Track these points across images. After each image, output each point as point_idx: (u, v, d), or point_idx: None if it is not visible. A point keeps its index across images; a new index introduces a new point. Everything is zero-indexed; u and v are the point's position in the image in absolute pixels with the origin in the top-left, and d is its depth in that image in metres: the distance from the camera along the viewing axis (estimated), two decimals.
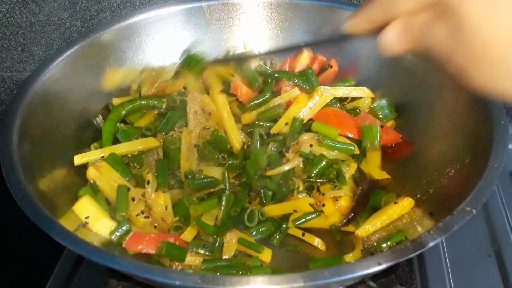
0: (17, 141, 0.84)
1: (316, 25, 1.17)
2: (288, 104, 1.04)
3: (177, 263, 0.85)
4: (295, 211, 0.95)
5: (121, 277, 0.94)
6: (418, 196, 0.91)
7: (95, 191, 0.92)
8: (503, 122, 0.82)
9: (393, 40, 0.58)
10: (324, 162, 0.95)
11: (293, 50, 1.18)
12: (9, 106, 0.89)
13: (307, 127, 1.01)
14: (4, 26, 1.32)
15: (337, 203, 0.93)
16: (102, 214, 0.88)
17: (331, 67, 1.14)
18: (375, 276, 0.92)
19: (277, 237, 0.92)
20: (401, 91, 1.08)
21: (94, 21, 1.30)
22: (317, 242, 0.91)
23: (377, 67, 1.12)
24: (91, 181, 0.94)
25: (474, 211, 0.70)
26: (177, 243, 0.86)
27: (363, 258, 0.67)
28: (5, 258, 1.11)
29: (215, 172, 0.99)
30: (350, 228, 0.92)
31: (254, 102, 1.04)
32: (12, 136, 0.84)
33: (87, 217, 0.86)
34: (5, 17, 1.30)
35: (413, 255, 0.66)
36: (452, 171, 0.87)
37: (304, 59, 1.15)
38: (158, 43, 1.16)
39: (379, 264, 0.65)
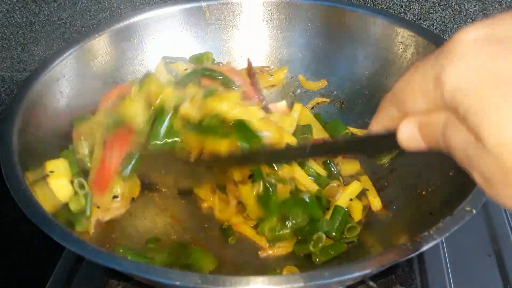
0: (17, 141, 0.84)
1: (316, 25, 1.17)
2: None
3: None
4: None
5: (121, 277, 0.94)
6: (418, 196, 0.91)
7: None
8: None
9: (409, 137, 0.52)
10: None
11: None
12: (9, 106, 0.89)
13: None
14: (4, 26, 1.32)
15: None
16: (66, 175, 0.89)
17: None
18: (375, 276, 0.92)
19: None
20: None
21: (94, 21, 1.30)
22: None
23: (376, 67, 1.12)
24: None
25: (474, 211, 0.70)
26: None
27: (364, 258, 0.67)
28: (5, 258, 1.11)
29: None
30: None
31: None
32: (12, 136, 0.84)
33: (51, 171, 0.88)
34: (5, 17, 1.30)
35: (413, 255, 0.66)
36: (452, 171, 0.87)
37: None
38: (158, 43, 1.16)
39: (379, 264, 0.65)
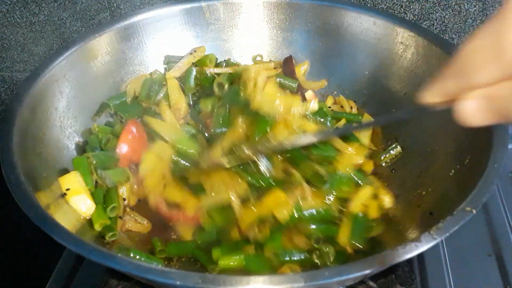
0: (17, 141, 0.84)
1: (316, 25, 1.17)
2: None
3: None
4: None
5: (121, 277, 0.94)
6: (418, 196, 0.92)
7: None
8: None
9: (474, 113, 0.53)
10: None
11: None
12: (9, 106, 0.89)
13: None
14: (4, 26, 1.32)
15: None
16: (83, 190, 0.90)
17: None
18: (375, 276, 0.92)
19: None
20: (400, 91, 1.08)
21: (94, 21, 1.30)
22: None
23: (376, 67, 1.12)
24: None
25: (474, 211, 0.70)
26: None
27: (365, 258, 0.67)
28: (5, 258, 1.11)
29: None
30: None
31: None
32: (12, 136, 0.84)
33: (67, 189, 0.88)
34: (5, 17, 1.30)
35: (413, 255, 0.66)
36: (452, 171, 0.87)
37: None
38: (158, 43, 1.16)
39: (379, 264, 0.65)
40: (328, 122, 1.02)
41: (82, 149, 1.02)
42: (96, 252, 0.67)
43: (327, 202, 0.91)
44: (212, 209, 0.90)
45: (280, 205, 0.88)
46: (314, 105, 1.02)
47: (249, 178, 0.91)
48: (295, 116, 0.99)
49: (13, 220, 1.13)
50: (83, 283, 0.97)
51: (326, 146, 0.96)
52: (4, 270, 1.09)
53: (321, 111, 1.03)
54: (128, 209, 0.95)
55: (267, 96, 1.00)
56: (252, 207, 0.90)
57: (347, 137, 1.01)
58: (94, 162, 0.95)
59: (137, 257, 0.83)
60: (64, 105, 1.00)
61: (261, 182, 0.91)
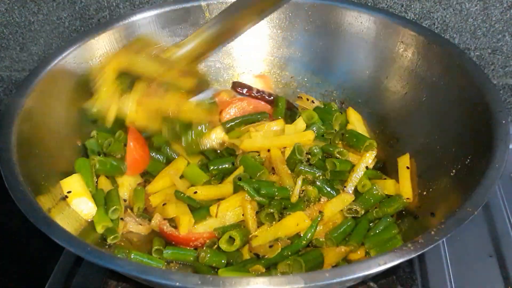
0: (16, 141, 0.84)
1: (316, 25, 1.17)
2: None
3: None
4: None
5: (120, 278, 0.94)
6: (419, 196, 0.91)
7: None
8: (504, 122, 0.82)
9: None
10: None
11: None
12: (8, 106, 0.88)
13: None
14: (3, 25, 1.31)
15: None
16: (84, 192, 0.90)
17: None
18: (376, 277, 0.92)
19: None
20: (401, 90, 1.08)
21: (93, 20, 1.29)
22: None
23: (377, 67, 1.12)
24: None
25: (475, 211, 0.70)
26: None
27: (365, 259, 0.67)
28: (5, 258, 1.10)
29: None
30: None
31: None
32: (11, 136, 0.83)
33: (69, 192, 0.88)
34: (4, 16, 1.29)
35: (414, 255, 0.66)
36: (453, 171, 0.87)
37: None
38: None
39: (380, 264, 0.64)
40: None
41: (81, 150, 1.01)
42: (95, 253, 0.67)
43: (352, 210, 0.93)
44: (232, 231, 0.89)
45: (302, 226, 0.88)
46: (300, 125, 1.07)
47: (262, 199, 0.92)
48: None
49: (12, 220, 1.13)
50: (82, 283, 0.96)
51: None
52: (4, 270, 1.09)
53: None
54: (129, 210, 0.95)
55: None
56: (267, 228, 0.90)
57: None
58: (97, 166, 0.95)
59: (138, 258, 0.82)
60: (63, 105, 1.00)
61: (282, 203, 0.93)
